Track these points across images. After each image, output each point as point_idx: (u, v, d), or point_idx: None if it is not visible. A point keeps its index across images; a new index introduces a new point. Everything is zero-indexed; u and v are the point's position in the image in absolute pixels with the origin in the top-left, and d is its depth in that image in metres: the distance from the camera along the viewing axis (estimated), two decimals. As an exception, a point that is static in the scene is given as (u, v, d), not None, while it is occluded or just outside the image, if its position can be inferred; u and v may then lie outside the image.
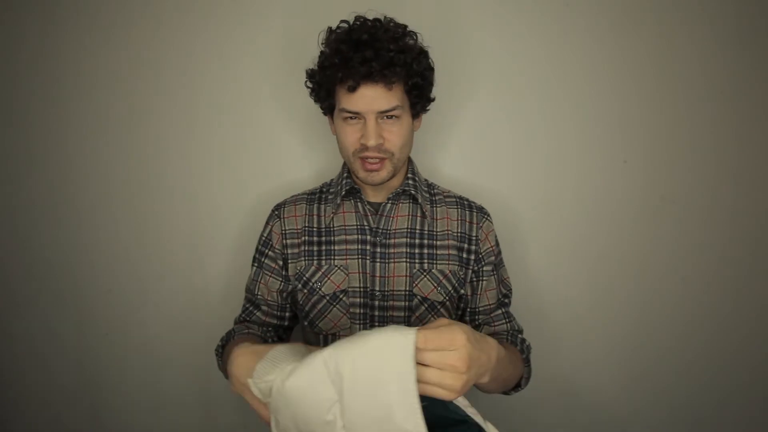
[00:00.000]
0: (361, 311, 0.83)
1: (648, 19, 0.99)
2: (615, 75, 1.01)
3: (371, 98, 0.75)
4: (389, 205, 0.86)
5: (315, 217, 0.88)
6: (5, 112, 1.16)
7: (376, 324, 0.83)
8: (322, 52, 0.80)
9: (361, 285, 0.83)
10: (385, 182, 0.83)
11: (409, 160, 0.90)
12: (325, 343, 0.85)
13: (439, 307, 0.84)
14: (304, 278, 0.85)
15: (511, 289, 0.92)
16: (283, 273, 0.87)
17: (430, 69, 0.82)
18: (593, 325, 1.09)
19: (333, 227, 0.86)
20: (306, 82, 0.84)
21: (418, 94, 0.80)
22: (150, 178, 1.14)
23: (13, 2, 1.11)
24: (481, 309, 0.88)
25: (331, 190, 0.90)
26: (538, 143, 1.05)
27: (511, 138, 1.06)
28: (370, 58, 0.73)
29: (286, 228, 0.87)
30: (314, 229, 0.87)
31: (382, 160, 0.79)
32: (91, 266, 1.18)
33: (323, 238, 0.86)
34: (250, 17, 1.08)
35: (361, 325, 0.83)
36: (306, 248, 0.86)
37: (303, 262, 0.85)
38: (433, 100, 0.87)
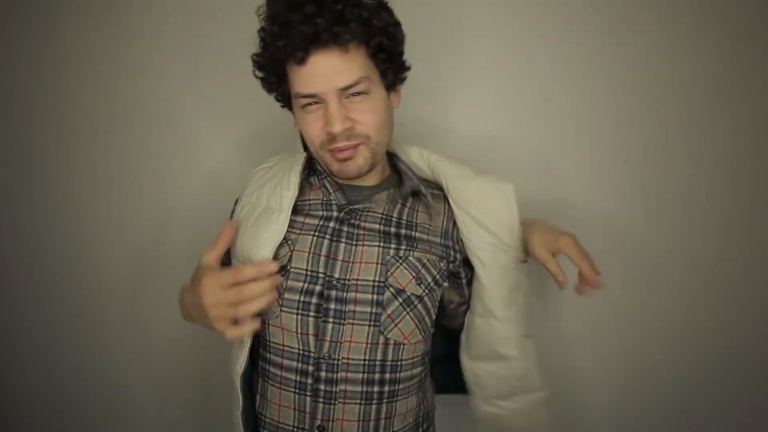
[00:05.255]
0: (302, 299, 0.68)
1: (649, 18, 0.99)
2: (615, 74, 1.01)
3: (327, 72, 0.62)
4: (384, 193, 0.75)
5: None
6: (5, 111, 1.16)
7: (330, 320, 0.68)
8: (262, 27, 0.67)
9: (309, 268, 0.69)
10: (364, 174, 0.71)
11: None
12: (264, 331, 0.71)
13: (416, 302, 0.71)
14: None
15: None
16: None
17: (396, 24, 0.68)
18: (592, 326, 1.08)
19: (296, 203, 0.73)
20: (254, 71, 0.71)
21: (387, 58, 0.67)
22: (152, 177, 1.14)
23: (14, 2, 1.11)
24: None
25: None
26: (538, 143, 1.05)
27: (509, 138, 1.06)
28: (313, 13, 0.60)
29: None
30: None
31: (356, 146, 0.67)
32: (92, 266, 1.18)
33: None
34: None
35: (300, 316, 0.68)
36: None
37: None
38: (408, 68, 0.73)
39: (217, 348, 0.86)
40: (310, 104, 0.66)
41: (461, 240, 0.77)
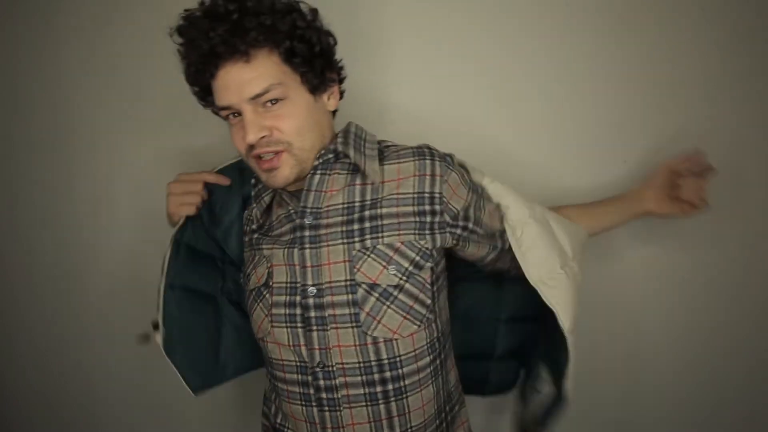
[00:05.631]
0: (287, 312, 0.69)
1: (649, 18, 0.99)
2: (615, 74, 1.01)
3: (235, 83, 0.63)
4: (318, 176, 0.69)
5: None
6: (5, 111, 1.16)
7: (314, 328, 0.67)
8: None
9: (288, 280, 0.69)
10: (292, 182, 0.69)
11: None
12: (265, 349, 0.74)
13: (396, 293, 0.67)
14: (242, 270, 0.78)
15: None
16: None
17: (309, 27, 0.66)
18: (592, 326, 1.08)
19: (270, 221, 0.77)
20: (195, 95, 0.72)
21: (303, 62, 0.65)
22: (153, 178, 1.14)
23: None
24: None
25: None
26: (538, 143, 1.05)
27: (509, 138, 1.06)
28: (208, 28, 0.61)
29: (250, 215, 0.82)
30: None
31: (278, 154, 0.66)
32: (93, 266, 1.18)
33: (264, 226, 0.77)
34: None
35: (289, 329, 0.69)
36: (249, 237, 0.78)
37: (247, 253, 0.78)
38: (340, 69, 0.73)
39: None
40: (232, 115, 0.67)
41: (445, 197, 0.69)
